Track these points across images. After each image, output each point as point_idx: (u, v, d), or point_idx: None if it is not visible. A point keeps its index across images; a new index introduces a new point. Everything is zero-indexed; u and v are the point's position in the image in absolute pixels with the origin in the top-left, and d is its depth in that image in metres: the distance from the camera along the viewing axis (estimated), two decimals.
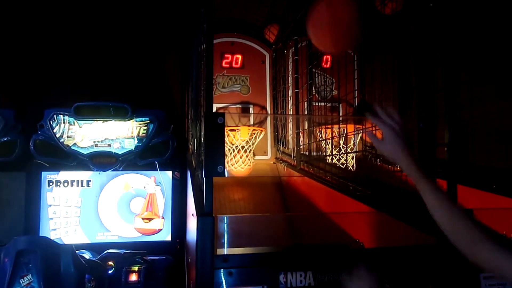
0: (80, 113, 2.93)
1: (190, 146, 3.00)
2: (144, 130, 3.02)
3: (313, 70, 3.66)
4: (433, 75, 1.99)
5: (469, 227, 1.05)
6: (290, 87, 4.18)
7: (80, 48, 3.75)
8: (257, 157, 3.99)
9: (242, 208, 3.59)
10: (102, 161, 2.93)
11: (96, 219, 2.96)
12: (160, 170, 3.02)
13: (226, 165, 3.64)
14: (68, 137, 2.93)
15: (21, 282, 2.02)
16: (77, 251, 2.29)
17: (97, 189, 2.98)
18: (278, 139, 4.25)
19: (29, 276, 2.03)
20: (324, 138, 3.66)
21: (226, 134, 3.59)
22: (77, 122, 2.95)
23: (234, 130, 3.70)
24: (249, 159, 3.75)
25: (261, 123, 4.32)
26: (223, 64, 4.24)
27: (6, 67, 3.52)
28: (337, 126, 3.62)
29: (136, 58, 3.87)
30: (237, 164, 3.70)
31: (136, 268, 2.52)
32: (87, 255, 2.56)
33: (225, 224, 1.85)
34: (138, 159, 3.01)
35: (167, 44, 4.03)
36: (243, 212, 3.44)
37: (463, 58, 2.17)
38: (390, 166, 3.34)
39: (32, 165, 2.91)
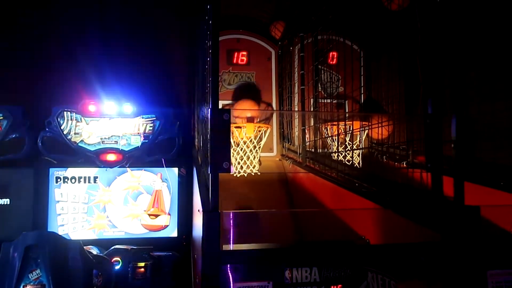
0: (87, 110, 2.95)
1: (196, 143, 3.01)
2: (150, 127, 3.03)
3: (319, 66, 3.65)
4: (440, 71, 1.97)
5: None
6: (296, 84, 4.17)
7: (87, 45, 3.77)
8: (262, 154, 3.99)
9: (248, 204, 3.60)
10: (109, 157, 2.95)
11: (103, 215, 2.98)
12: (166, 167, 3.04)
13: (235, 169, 3.64)
14: (75, 134, 2.95)
15: (30, 277, 2.05)
16: (84, 247, 2.32)
17: (104, 186, 3.01)
18: (284, 136, 4.25)
19: (38, 271, 2.05)
20: (330, 135, 3.65)
21: (231, 131, 3.59)
22: (84, 119, 2.97)
23: (240, 127, 3.71)
24: (254, 158, 3.75)
25: (267, 120, 4.32)
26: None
27: (15, 64, 3.56)
28: (343, 123, 3.61)
29: (143, 55, 3.88)
30: (245, 166, 3.70)
31: (142, 264, 2.54)
32: (94, 250, 2.59)
33: (231, 220, 1.86)
34: (145, 156, 3.02)
35: (174, 40, 4.03)
36: (249, 208, 3.45)
37: (470, 54, 2.16)
38: (396, 163, 3.33)
39: (40, 161, 2.95)
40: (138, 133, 3.02)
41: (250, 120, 3.88)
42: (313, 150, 3.68)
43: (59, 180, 2.96)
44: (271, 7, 4.23)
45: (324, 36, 3.59)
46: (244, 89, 4.16)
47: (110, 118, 3.00)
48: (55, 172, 2.96)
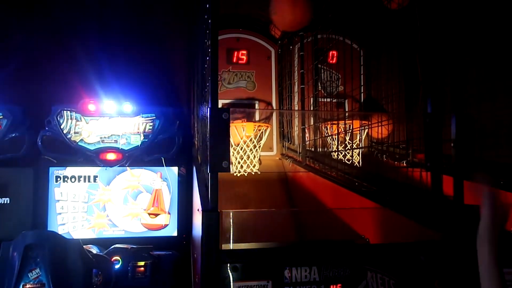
0: (87, 109, 2.95)
1: (196, 142, 3.01)
2: (150, 126, 3.03)
3: (319, 65, 3.65)
4: (440, 70, 1.97)
5: None
6: (296, 83, 4.17)
7: (86, 45, 3.77)
8: (262, 153, 3.99)
9: (248, 204, 3.60)
10: (109, 157, 2.95)
11: (103, 214, 2.98)
12: (166, 166, 3.04)
13: (235, 168, 3.64)
14: (75, 133, 2.95)
15: (29, 276, 2.05)
16: (84, 246, 2.32)
17: (103, 185, 3.01)
18: (284, 135, 4.25)
19: (37, 270, 2.05)
20: (329, 134, 3.65)
21: (231, 130, 3.59)
22: (84, 118, 2.97)
23: (240, 126, 3.70)
24: (254, 158, 3.75)
25: (266, 119, 4.32)
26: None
27: (14, 63, 3.55)
28: (343, 122, 3.60)
29: (143, 54, 3.88)
30: (245, 165, 3.69)
31: (142, 263, 2.55)
32: (94, 250, 2.59)
33: (231, 219, 1.86)
34: (145, 155, 3.02)
35: (173, 39, 4.03)
36: (248, 208, 3.45)
37: (470, 53, 2.15)
38: (396, 162, 3.33)
39: (39, 161, 2.95)
40: (138, 132, 3.02)
41: None
42: (313, 149, 3.68)
43: (59, 179, 2.96)
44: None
45: (324, 35, 3.58)
46: None
47: (110, 117, 2.99)
48: (55, 171, 2.96)
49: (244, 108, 4.23)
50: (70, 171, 2.97)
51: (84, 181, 2.99)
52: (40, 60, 3.65)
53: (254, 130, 3.69)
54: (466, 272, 1.59)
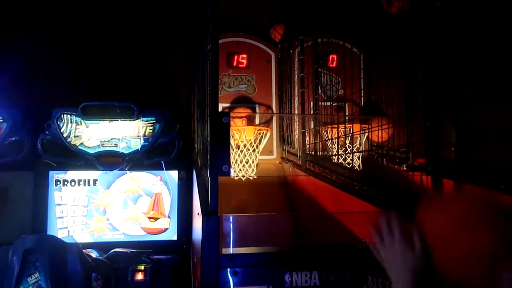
0: (87, 113, 2.95)
1: (196, 146, 3.01)
2: (150, 130, 3.03)
3: (319, 69, 3.65)
4: (440, 74, 1.98)
5: None
6: (296, 87, 4.17)
7: (87, 48, 3.77)
8: (262, 157, 3.99)
9: (248, 208, 3.59)
10: (109, 160, 2.95)
11: (102, 218, 2.98)
12: (166, 170, 3.03)
13: (235, 171, 3.64)
14: (75, 136, 2.95)
15: (28, 280, 2.04)
16: (84, 250, 2.31)
17: (103, 188, 3.00)
18: (284, 139, 4.25)
19: (37, 275, 2.04)
20: (330, 138, 3.65)
21: (231, 134, 3.59)
22: (84, 122, 2.97)
23: (240, 130, 3.70)
24: (253, 161, 3.74)
25: (266, 123, 4.32)
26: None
27: (13, 66, 3.56)
28: (343, 125, 3.60)
29: (143, 58, 3.89)
30: (243, 170, 3.68)
31: (142, 267, 2.53)
32: (93, 254, 2.58)
33: (231, 224, 1.86)
34: (144, 159, 3.02)
35: (174, 43, 4.04)
36: (248, 212, 3.44)
37: (470, 56, 2.16)
38: (396, 166, 3.33)
39: (39, 164, 2.94)
40: (138, 136, 3.02)
41: None
42: (313, 153, 3.68)
43: (58, 183, 2.96)
44: (271, 10, 4.24)
45: (324, 39, 3.59)
46: None
47: (110, 121, 2.99)
48: (55, 175, 2.95)
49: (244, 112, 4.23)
50: (70, 174, 2.97)
51: (84, 184, 2.98)
52: (39, 63, 3.66)
53: (254, 134, 3.69)
54: None
